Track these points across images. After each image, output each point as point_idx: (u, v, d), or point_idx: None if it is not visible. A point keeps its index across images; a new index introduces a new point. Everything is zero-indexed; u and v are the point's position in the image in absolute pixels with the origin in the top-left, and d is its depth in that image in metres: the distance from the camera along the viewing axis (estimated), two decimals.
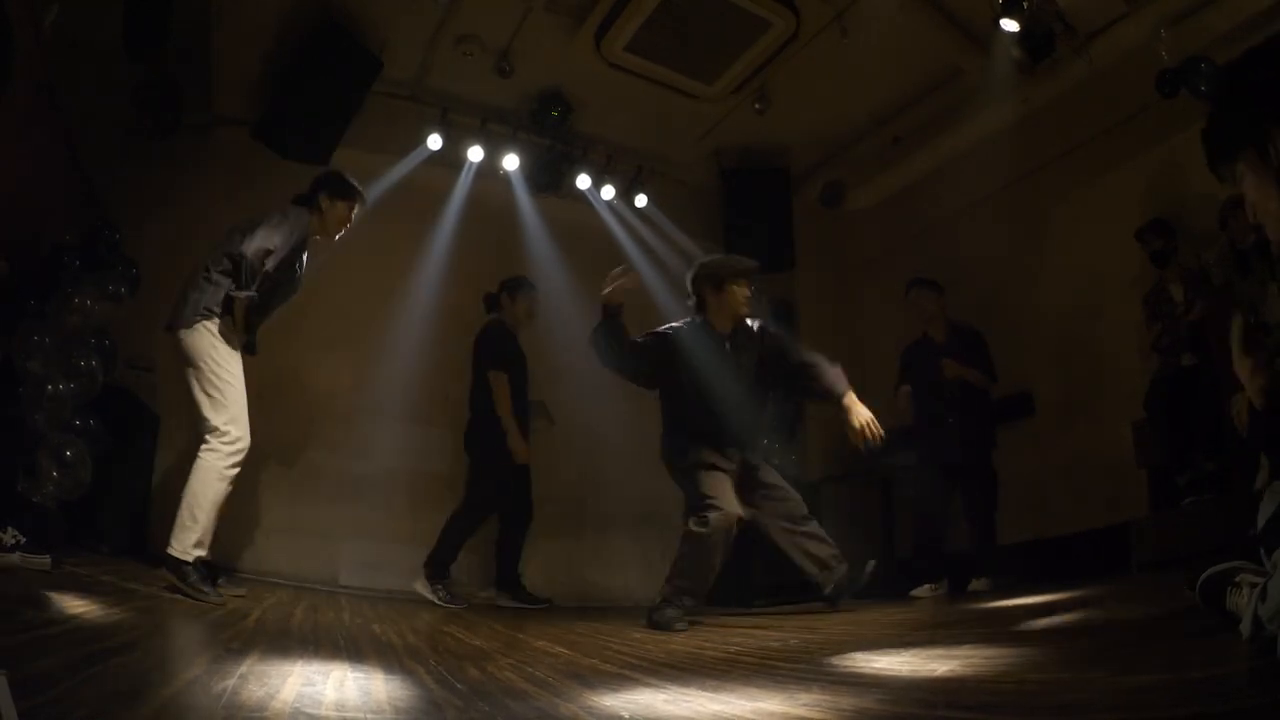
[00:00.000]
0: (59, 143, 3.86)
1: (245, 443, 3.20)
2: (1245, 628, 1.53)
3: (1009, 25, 4.59)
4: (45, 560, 2.94)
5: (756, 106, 5.76)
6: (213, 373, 3.21)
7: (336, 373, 5.12)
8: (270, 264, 3.25)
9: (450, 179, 5.82)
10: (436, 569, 4.51)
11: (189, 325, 3.24)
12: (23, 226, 3.69)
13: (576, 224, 6.10)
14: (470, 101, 5.72)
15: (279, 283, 3.38)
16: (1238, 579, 1.72)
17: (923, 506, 4.74)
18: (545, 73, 5.56)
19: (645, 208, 6.25)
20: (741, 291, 3.70)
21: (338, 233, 3.55)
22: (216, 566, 3.31)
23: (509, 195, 5.98)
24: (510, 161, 5.87)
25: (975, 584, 4.37)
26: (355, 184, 3.58)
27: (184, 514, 3.07)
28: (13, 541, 2.93)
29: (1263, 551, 1.60)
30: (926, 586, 4.44)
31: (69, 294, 3.70)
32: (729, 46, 5.25)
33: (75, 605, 2.25)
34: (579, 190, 6.15)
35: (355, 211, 3.56)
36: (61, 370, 3.54)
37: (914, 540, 4.74)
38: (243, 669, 1.69)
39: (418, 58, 5.39)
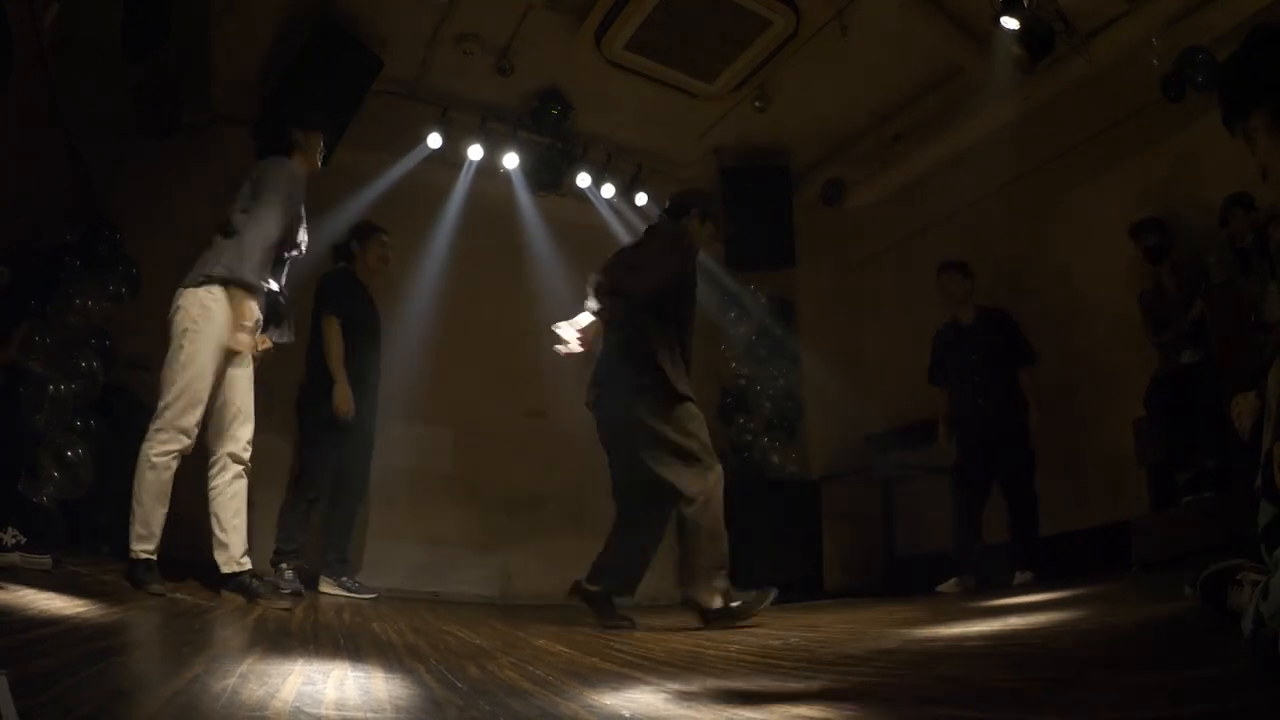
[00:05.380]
0: (59, 143, 3.86)
1: (180, 431, 2.98)
2: (1246, 626, 1.53)
3: (1009, 23, 4.58)
4: (46, 560, 2.94)
5: (757, 105, 5.76)
6: (179, 345, 3.05)
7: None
8: (271, 241, 3.19)
9: (450, 178, 5.83)
10: (279, 555, 4.16)
11: (189, 284, 3.12)
12: (23, 226, 3.68)
13: (577, 223, 6.10)
14: (470, 100, 5.72)
15: (291, 240, 3.32)
16: (1239, 577, 1.73)
17: (957, 499, 4.73)
18: (545, 71, 5.56)
19: (645, 206, 6.25)
20: None
21: (318, 162, 3.51)
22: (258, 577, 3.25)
23: (509, 194, 5.99)
24: (510, 160, 5.87)
25: (1018, 576, 4.32)
26: (319, 114, 3.57)
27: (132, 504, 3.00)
28: (13, 541, 2.93)
29: (1264, 549, 1.60)
30: (953, 581, 4.45)
31: (69, 294, 3.71)
32: (729, 45, 5.25)
33: (75, 605, 2.25)
34: (579, 189, 6.16)
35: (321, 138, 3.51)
36: (62, 370, 3.54)
37: (953, 534, 4.72)
38: (243, 668, 1.69)
39: (418, 56, 5.39)
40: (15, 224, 3.58)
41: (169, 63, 4.50)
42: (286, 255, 3.38)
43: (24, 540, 2.95)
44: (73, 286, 3.74)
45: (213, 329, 3.09)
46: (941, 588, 4.47)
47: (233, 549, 3.18)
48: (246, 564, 3.21)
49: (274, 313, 3.32)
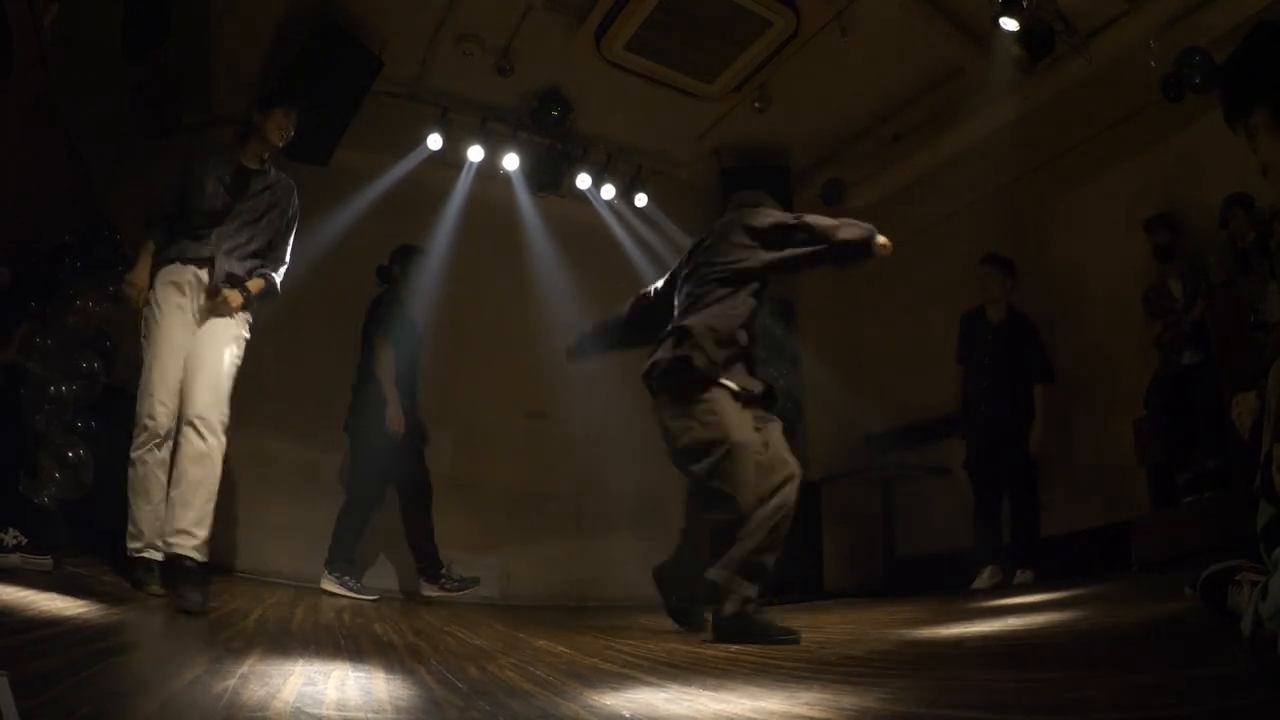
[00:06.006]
0: (59, 143, 3.86)
1: (149, 422, 2.96)
2: (1246, 626, 1.53)
3: (1009, 24, 4.58)
4: (46, 561, 2.95)
5: (756, 105, 5.76)
6: (142, 336, 3.09)
7: (336, 371, 5.11)
8: (170, 205, 3.16)
9: (450, 179, 5.82)
10: (336, 564, 4.34)
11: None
12: (23, 226, 3.69)
13: (577, 224, 6.10)
14: (470, 101, 5.72)
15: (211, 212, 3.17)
16: (1239, 577, 1.73)
17: (975, 494, 4.73)
18: (545, 72, 5.55)
19: (645, 207, 6.25)
20: None
21: (281, 140, 3.37)
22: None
23: (509, 195, 5.99)
24: (510, 161, 5.87)
25: (1018, 576, 4.33)
26: (286, 93, 3.48)
27: None
28: (14, 542, 2.93)
29: (1263, 549, 1.60)
30: (986, 574, 4.43)
31: (70, 295, 3.71)
32: (729, 45, 5.25)
33: (76, 605, 2.25)
34: (579, 190, 6.16)
35: (289, 115, 3.35)
36: (63, 371, 3.54)
37: (975, 530, 4.70)
38: (244, 669, 1.69)
39: (418, 57, 5.38)
40: (15, 224, 3.59)
41: (169, 63, 4.51)
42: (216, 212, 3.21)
43: (25, 541, 2.95)
44: (73, 287, 3.73)
45: (164, 307, 3.07)
46: (977, 583, 4.42)
47: None
48: (172, 547, 2.89)
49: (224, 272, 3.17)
